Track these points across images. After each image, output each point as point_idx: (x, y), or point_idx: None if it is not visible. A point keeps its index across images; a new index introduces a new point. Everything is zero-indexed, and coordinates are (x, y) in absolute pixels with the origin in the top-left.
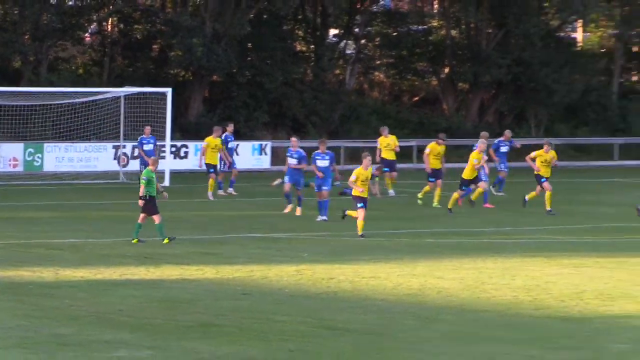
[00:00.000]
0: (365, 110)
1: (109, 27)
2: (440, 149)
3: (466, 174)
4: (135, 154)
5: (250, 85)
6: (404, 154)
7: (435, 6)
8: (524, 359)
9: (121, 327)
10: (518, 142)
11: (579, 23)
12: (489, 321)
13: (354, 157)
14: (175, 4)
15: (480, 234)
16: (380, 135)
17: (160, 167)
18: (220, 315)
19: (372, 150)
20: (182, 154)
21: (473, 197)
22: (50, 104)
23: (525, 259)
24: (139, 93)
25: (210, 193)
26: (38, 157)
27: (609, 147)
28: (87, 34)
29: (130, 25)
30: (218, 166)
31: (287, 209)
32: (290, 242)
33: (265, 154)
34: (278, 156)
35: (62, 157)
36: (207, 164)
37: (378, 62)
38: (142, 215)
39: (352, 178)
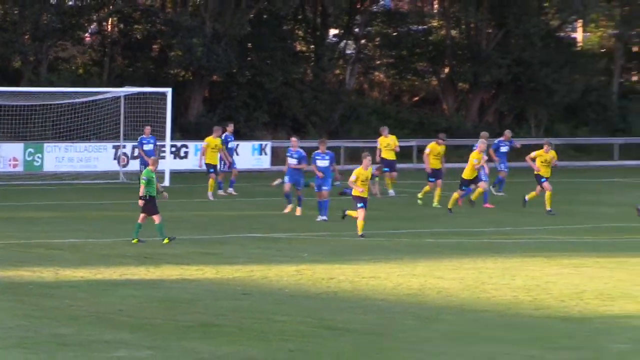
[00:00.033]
0: (365, 110)
1: (109, 27)
2: (441, 149)
3: (466, 174)
4: (135, 154)
5: (250, 85)
6: (403, 154)
7: (435, 6)
8: (524, 359)
9: (121, 327)
10: (518, 142)
11: (579, 23)
12: (489, 321)
13: (354, 157)
14: (175, 4)
15: (480, 234)
16: (380, 135)
17: (160, 167)
18: (220, 315)
19: (372, 150)
20: (182, 154)
21: (473, 197)
22: (51, 104)
23: (525, 259)
24: (139, 93)
25: (210, 193)
26: (38, 157)
27: (609, 147)
28: (87, 34)
29: (130, 25)
30: (218, 166)
31: (287, 209)
32: (290, 242)
33: (265, 154)
34: (278, 156)
35: (62, 157)
36: (207, 164)
37: (378, 62)
38: (142, 215)
39: (352, 178)
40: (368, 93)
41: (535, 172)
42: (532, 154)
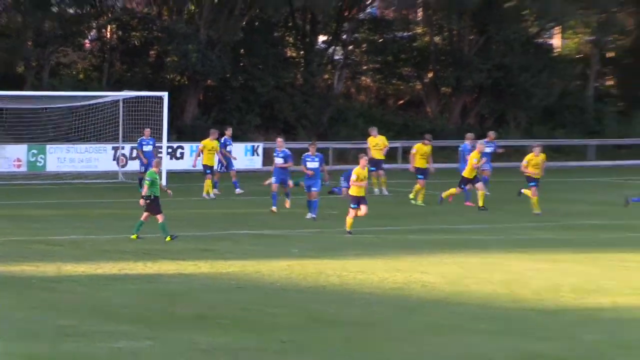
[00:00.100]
0: (352, 113)
1: (108, 34)
2: (427, 149)
3: (467, 173)
4: (134, 154)
5: (243, 89)
6: (389, 155)
7: (420, 14)
8: (503, 349)
9: (121, 319)
10: (500, 149)
11: (557, 30)
12: (470, 313)
13: (342, 157)
14: (171, 12)
15: (464, 231)
16: (369, 135)
17: None
18: (215, 307)
19: (361, 151)
20: (178, 155)
21: (480, 203)
22: (53, 107)
23: (505, 255)
24: (136, 97)
25: (205, 194)
26: (41, 157)
27: (584, 148)
28: (87, 41)
29: (128, 32)
30: (215, 167)
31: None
32: (281, 238)
33: (258, 155)
34: (270, 157)
35: (63, 157)
36: (204, 165)
37: (365, 67)
38: (145, 213)
39: (353, 177)
40: (355, 97)
41: (527, 175)
42: (524, 162)
